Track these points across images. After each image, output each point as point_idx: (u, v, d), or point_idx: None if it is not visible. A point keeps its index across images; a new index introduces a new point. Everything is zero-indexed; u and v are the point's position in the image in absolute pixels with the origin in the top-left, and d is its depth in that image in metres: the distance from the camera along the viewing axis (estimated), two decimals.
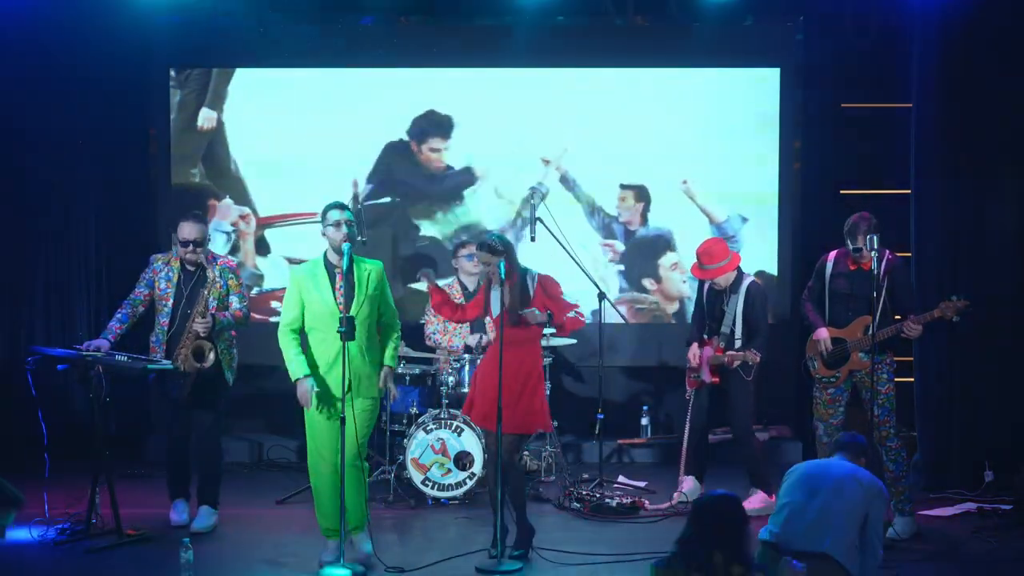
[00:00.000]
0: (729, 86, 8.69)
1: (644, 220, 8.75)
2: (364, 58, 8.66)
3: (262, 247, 8.77)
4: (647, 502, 7.11)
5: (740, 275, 7.04)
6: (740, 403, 6.99)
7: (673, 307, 8.77)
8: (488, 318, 6.24)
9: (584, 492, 7.19)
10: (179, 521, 6.60)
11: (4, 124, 8.16)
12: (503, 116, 8.71)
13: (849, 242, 6.39)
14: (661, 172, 8.69)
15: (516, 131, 8.70)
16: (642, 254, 8.75)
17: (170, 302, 6.51)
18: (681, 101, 8.70)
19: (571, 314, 6.16)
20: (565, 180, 8.71)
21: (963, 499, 7.16)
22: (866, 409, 6.39)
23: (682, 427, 7.31)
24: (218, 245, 8.22)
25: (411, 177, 8.76)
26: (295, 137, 8.67)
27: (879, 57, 8.26)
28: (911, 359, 7.60)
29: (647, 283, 8.75)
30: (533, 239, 7.42)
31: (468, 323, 7.63)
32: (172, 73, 8.70)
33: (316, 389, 5.78)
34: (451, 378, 7.31)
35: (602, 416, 7.60)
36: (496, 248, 5.93)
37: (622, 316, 8.18)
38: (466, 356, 7.46)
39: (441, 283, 7.91)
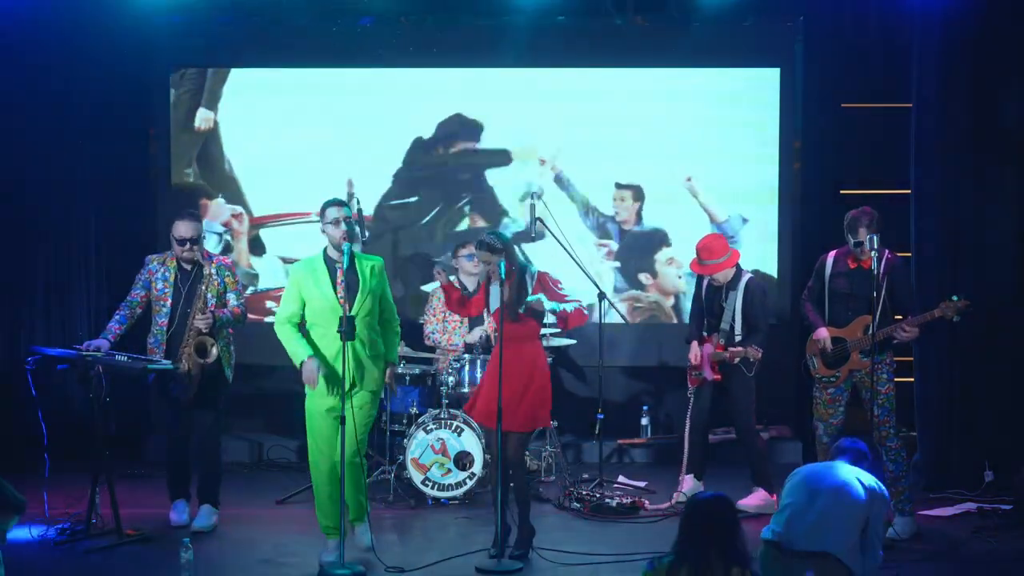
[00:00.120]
0: (729, 86, 8.68)
1: (639, 219, 8.75)
2: (364, 58, 8.66)
3: (257, 247, 8.76)
4: (647, 502, 7.11)
5: (739, 271, 7.04)
6: (742, 400, 6.99)
7: (669, 302, 8.77)
8: (486, 316, 6.22)
9: (584, 492, 7.19)
10: (179, 521, 6.60)
11: (4, 124, 8.16)
12: (503, 116, 8.71)
13: (850, 237, 6.38)
14: (660, 172, 8.68)
15: (516, 131, 8.71)
16: (638, 250, 8.75)
17: (168, 302, 6.52)
18: (681, 101, 8.70)
19: (571, 308, 6.16)
20: (559, 180, 8.70)
21: (963, 499, 7.15)
22: (866, 409, 6.39)
23: (682, 427, 7.31)
24: (210, 245, 8.21)
25: (410, 178, 8.77)
26: (290, 137, 8.65)
27: (879, 57, 8.27)
28: (911, 359, 7.60)
29: (643, 278, 8.75)
30: (533, 239, 7.42)
31: (467, 320, 7.67)
32: (169, 75, 8.71)
33: (323, 370, 5.78)
34: (451, 378, 7.31)
35: (602, 416, 7.60)
36: (496, 246, 5.94)
37: (622, 316, 8.18)
38: (466, 356, 7.46)
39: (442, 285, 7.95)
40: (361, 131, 8.67)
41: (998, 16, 7.44)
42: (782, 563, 4.73)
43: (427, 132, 8.74)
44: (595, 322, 7.57)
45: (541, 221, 7.41)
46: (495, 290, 6.06)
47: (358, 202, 7.82)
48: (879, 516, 4.88)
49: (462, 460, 7.11)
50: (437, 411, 7.22)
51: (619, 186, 8.73)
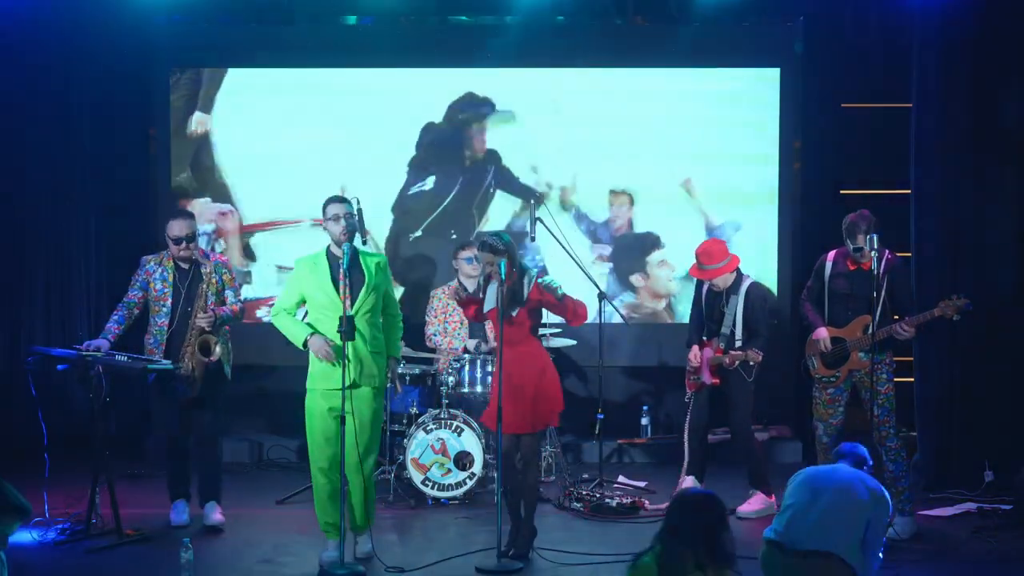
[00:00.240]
0: (729, 86, 8.68)
1: (631, 225, 8.75)
2: (363, 59, 8.66)
3: (248, 254, 8.71)
4: (647, 502, 7.11)
5: (739, 276, 7.03)
6: (741, 403, 6.98)
7: (661, 304, 8.76)
8: (488, 322, 6.21)
9: (584, 492, 7.19)
10: (179, 521, 6.60)
11: (4, 124, 8.16)
12: (503, 116, 8.71)
13: (849, 241, 6.38)
14: (660, 172, 8.67)
15: (515, 130, 8.71)
16: (630, 252, 8.75)
17: (168, 301, 6.53)
18: (681, 101, 8.70)
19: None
20: (554, 185, 8.71)
21: (963, 499, 7.15)
22: (866, 409, 6.38)
23: (682, 427, 7.31)
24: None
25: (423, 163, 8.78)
26: (285, 140, 8.64)
27: (879, 57, 8.27)
28: (911, 359, 7.60)
29: (635, 279, 8.74)
30: (533, 239, 7.42)
31: (467, 322, 7.68)
32: (169, 75, 8.71)
33: (331, 343, 5.77)
34: (451, 378, 7.31)
35: (602, 416, 7.59)
36: (498, 248, 5.94)
37: (622, 316, 8.17)
38: (466, 356, 7.46)
39: (442, 286, 7.95)
40: (359, 132, 8.66)
41: (998, 16, 7.43)
42: (784, 562, 4.72)
43: (436, 118, 8.73)
44: (595, 322, 7.56)
45: (541, 221, 7.40)
46: (492, 290, 6.06)
47: (358, 201, 7.81)
48: (881, 519, 4.88)
49: (462, 460, 7.11)
50: (437, 411, 7.22)
51: (614, 192, 8.72)
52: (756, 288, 7.04)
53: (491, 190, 8.74)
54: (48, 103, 8.23)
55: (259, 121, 8.69)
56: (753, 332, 6.95)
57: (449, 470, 7.12)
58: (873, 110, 8.39)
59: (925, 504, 7.00)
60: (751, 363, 6.85)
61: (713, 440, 7.68)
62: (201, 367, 6.48)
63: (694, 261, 7.08)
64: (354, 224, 5.86)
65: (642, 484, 7.67)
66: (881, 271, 6.26)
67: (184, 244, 6.51)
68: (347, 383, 5.68)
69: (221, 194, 8.73)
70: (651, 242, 8.75)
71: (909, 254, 7.54)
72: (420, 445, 7.11)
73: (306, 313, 6.02)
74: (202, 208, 8.65)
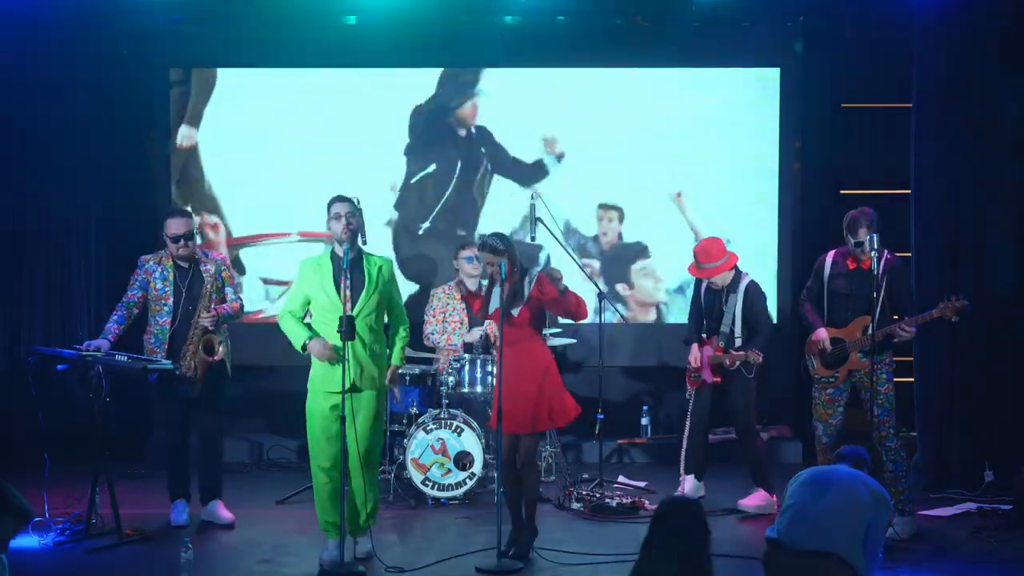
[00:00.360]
0: (729, 86, 8.69)
1: (620, 236, 8.75)
2: (362, 58, 8.66)
3: (237, 267, 8.64)
4: (647, 502, 7.10)
5: (738, 274, 7.04)
6: (742, 401, 6.99)
7: (649, 316, 8.77)
8: (489, 322, 6.21)
9: (584, 492, 7.19)
10: (179, 521, 6.60)
11: (4, 124, 8.16)
12: (502, 116, 8.72)
13: (850, 237, 6.37)
14: (660, 171, 8.67)
15: (515, 130, 8.71)
16: (617, 261, 8.75)
17: (170, 300, 6.54)
18: (681, 101, 8.70)
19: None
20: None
21: (963, 499, 7.15)
22: (866, 409, 6.38)
23: (682, 427, 7.31)
24: None
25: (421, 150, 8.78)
26: (272, 153, 8.62)
27: (879, 57, 8.27)
28: (911, 359, 7.60)
29: (620, 288, 8.74)
30: (533, 239, 7.42)
31: (466, 321, 7.68)
32: (170, 74, 8.70)
33: (330, 343, 5.77)
34: (451, 378, 7.31)
35: (602, 416, 7.59)
36: (498, 248, 5.94)
37: (622, 316, 8.18)
38: (466, 356, 7.46)
39: (443, 285, 7.94)
40: (358, 132, 8.65)
41: (998, 15, 7.43)
42: (786, 562, 4.72)
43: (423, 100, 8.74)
44: (595, 322, 7.57)
45: (541, 221, 7.40)
46: (495, 293, 6.06)
47: (357, 201, 7.81)
48: (881, 520, 4.87)
49: (462, 460, 7.11)
50: (437, 411, 7.22)
51: (603, 206, 8.71)
52: (755, 286, 7.05)
53: (487, 175, 8.73)
54: (48, 103, 8.22)
55: (248, 130, 8.63)
56: (754, 330, 6.95)
57: (449, 470, 7.12)
58: (873, 110, 8.39)
59: (925, 504, 7.00)
60: (752, 363, 6.86)
61: (714, 440, 7.68)
62: (204, 366, 6.49)
63: (692, 259, 7.08)
64: (356, 224, 5.86)
65: (642, 484, 7.67)
66: (881, 271, 6.26)
67: (182, 242, 6.52)
68: (347, 385, 5.68)
69: (209, 208, 8.72)
70: (636, 251, 8.74)
71: (909, 254, 7.54)
72: (420, 445, 7.11)
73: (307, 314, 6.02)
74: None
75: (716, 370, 7.02)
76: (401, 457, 7.24)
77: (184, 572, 5.45)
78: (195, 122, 8.70)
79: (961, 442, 7.48)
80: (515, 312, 6.01)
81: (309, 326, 5.91)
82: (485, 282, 6.40)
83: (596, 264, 8.74)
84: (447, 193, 8.74)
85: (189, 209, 7.75)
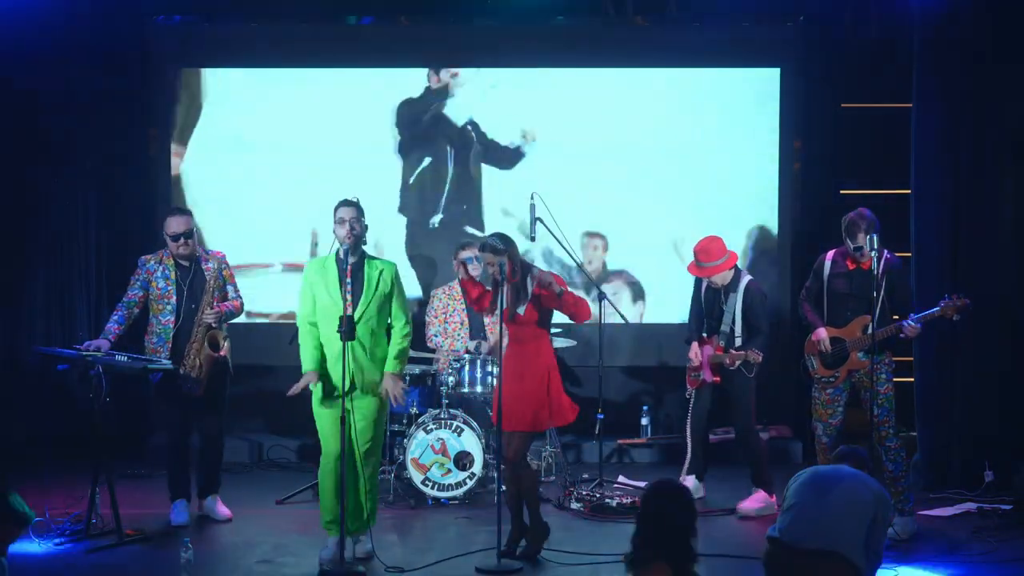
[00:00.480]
0: (729, 86, 8.69)
1: (604, 267, 8.75)
2: (362, 58, 8.66)
3: None
4: None
5: (738, 273, 7.04)
6: (742, 401, 6.99)
7: (649, 317, 8.76)
8: (486, 320, 6.19)
9: (584, 492, 7.19)
10: (179, 521, 6.60)
11: (4, 124, 8.16)
12: (502, 116, 8.72)
13: (849, 241, 6.37)
14: (659, 172, 8.66)
15: (514, 130, 8.71)
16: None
17: (173, 299, 6.55)
18: (681, 101, 8.69)
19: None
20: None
21: (963, 499, 7.15)
22: (865, 409, 6.38)
23: (682, 427, 7.30)
24: None
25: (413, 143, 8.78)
26: (255, 185, 8.62)
27: (879, 57, 8.27)
28: (911, 359, 7.60)
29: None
30: (533, 239, 7.42)
31: (467, 323, 7.67)
32: (169, 75, 8.70)
33: (315, 384, 5.83)
34: (451, 378, 7.31)
35: (602, 416, 7.59)
36: (498, 248, 5.93)
37: (622, 316, 8.17)
38: (466, 356, 7.45)
39: (443, 285, 7.94)
40: (357, 132, 8.65)
41: (998, 16, 7.43)
42: (788, 561, 4.72)
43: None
44: (595, 322, 7.56)
45: (541, 221, 7.40)
46: (502, 293, 6.05)
47: (357, 200, 7.84)
48: (883, 519, 4.87)
49: (462, 460, 7.11)
50: (437, 411, 7.22)
51: (589, 234, 8.71)
52: (755, 286, 7.05)
53: (480, 163, 8.74)
54: (48, 103, 8.23)
55: (223, 165, 8.63)
56: (754, 330, 6.95)
57: (449, 470, 7.12)
58: (873, 110, 8.40)
59: (925, 504, 6.99)
60: (752, 362, 6.86)
61: (714, 440, 7.68)
62: (209, 363, 6.50)
63: (692, 259, 7.08)
64: (360, 228, 5.87)
65: (642, 484, 7.65)
66: (880, 271, 6.26)
67: (182, 240, 6.53)
68: (347, 388, 5.68)
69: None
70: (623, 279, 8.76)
71: (909, 254, 7.54)
72: (420, 445, 7.11)
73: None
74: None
75: (716, 370, 7.02)
76: (401, 457, 7.24)
77: (184, 572, 5.45)
78: (184, 139, 8.65)
79: (961, 442, 7.47)
80: (521, 311, 6.00)
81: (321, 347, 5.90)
82: (482, 279, 6.38)
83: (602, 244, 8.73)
84: (447, 184, 8.74)
85: (185, 207, 7.72)
